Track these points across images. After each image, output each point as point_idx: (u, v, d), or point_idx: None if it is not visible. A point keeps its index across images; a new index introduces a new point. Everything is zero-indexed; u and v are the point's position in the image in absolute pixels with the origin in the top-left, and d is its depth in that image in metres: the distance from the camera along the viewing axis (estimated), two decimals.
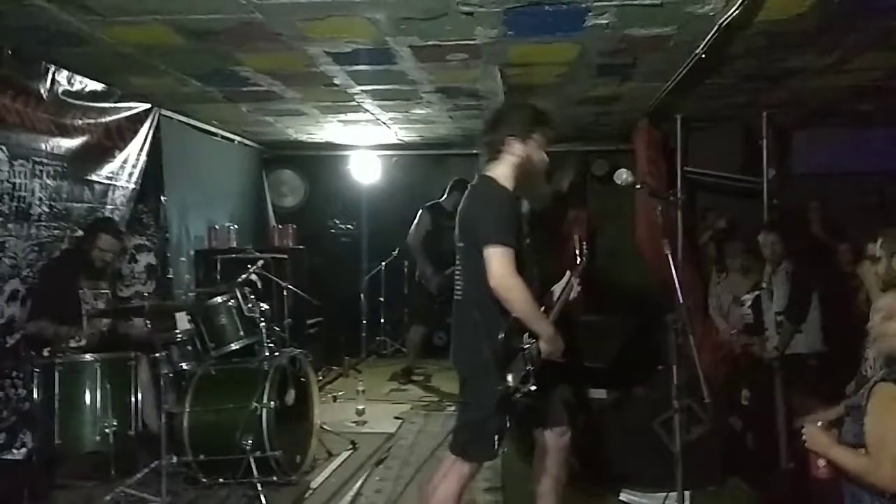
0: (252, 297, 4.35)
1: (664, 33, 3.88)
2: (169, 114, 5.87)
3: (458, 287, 2.75)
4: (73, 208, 4.62)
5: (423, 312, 6.71)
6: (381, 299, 7.91)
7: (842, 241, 5.49)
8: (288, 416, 4.06)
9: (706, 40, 3.87)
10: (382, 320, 7.96)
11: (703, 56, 4.09)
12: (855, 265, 4.70)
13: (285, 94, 5.38)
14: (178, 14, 3.52)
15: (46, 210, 4.36)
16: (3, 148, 3.98)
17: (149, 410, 4.12)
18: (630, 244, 6.57)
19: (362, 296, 7.93)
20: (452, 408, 5.20)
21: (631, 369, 4.75)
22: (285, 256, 6.54)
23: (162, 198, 5.72)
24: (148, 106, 5.51)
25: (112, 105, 5.06)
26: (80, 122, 4.68)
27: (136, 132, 5.36)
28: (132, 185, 5.31)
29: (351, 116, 6.31)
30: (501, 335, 2.53)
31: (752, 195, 6.25)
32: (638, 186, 3.26)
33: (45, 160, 4.34)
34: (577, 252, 2.94)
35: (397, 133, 7.29)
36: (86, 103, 4.74)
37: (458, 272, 2.77)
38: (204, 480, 3.92)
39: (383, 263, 7.83)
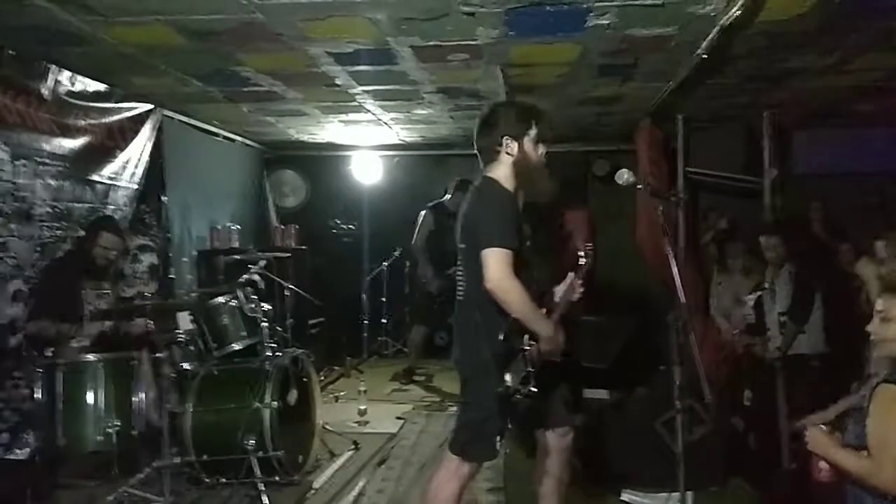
0: (254, 297, 4.34)
1: (665, 34, 3.88)
2: (170, 114, 5.88)
3: (460, 287, 2.76)
4: (74, 208, 4.63)
5: (424, 312, 6.70)
6: (383, 299, 7.90)
7: (843, 241, 5.49)
8: (290, 416, 4.06)
9: (707, 41, 3.87)
10: (384, 320, 7.94)
11: (705, 56, 4.08)
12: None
13: (286, 95, 5.38)
14: (179, 14, 3.52)
15: (48, 210, 4.37)
16: (5, 148, 3.98)
17: (151, 410, 4.12)
18: (631, 244, 6.56)
19: (364, 296, 7.91)
20: (454, 408, 5.19)
21: (632, 369, 4.76)
22: (287, 256, 6.53)
23: (164, 198, 5.72)
24: (149, 106, 5.52)
25: (114, 105, 5.06)
26: (81, 122, 4.69)
27: (137, 132, 5.37)
28: (134, 186, 5.32)
29: (352, 117, 6.31)
30: (501, 336, 2.53)
31: (754, 195, 6.25)
32: (639, 186, 3.26)
33: (46, 160, 4.35)
34: (581, 254, 2.94)
35: (399, 133, 7.28)
36: (87, 103, 4.74)
37: (459, 273, 2.78)
38: (206, 480, 3.92)
39: (385, 263, 7.82)
